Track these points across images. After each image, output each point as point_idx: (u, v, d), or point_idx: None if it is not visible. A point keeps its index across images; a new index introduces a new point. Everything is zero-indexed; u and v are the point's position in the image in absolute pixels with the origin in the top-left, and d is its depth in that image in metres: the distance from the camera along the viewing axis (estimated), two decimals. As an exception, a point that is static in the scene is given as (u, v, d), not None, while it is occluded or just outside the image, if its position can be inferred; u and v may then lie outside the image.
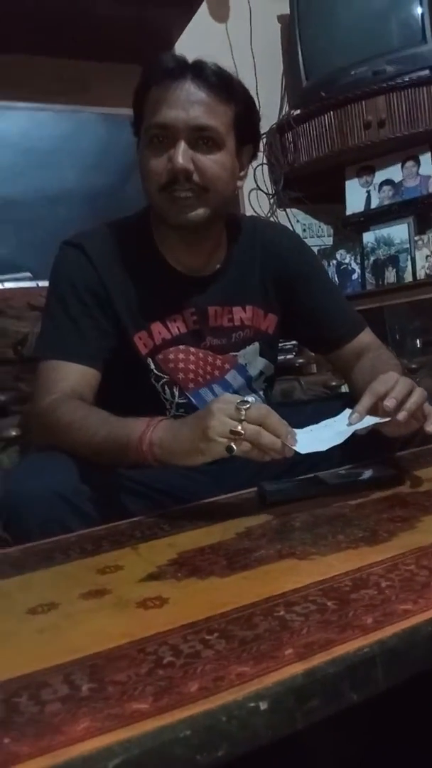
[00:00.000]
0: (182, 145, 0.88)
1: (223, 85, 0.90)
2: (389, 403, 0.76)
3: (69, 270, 0.96)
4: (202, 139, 0.89)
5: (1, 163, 1.86)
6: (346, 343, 1.05)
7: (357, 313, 1.11)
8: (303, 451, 0.73)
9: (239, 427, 0.69)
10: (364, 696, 0.40)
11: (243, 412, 0.70)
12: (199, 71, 0.89)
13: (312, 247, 1.21)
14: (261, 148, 2.30)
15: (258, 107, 0.98)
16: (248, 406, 0.71)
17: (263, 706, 0.36)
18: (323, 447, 0.75)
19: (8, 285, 1.66)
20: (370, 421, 0.78)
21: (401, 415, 0.76)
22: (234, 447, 0.70)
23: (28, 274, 1.71)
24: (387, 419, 0.77)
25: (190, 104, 0.88)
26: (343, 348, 1.06)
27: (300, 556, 0.59)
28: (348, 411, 0.80)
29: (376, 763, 0.73)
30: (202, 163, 0.89)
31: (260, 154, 2.30)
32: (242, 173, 0.99)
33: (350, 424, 0.78)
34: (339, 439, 0.76)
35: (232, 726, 0.35)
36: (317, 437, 0.77)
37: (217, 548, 0.63)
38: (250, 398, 0.75)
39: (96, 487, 0.81)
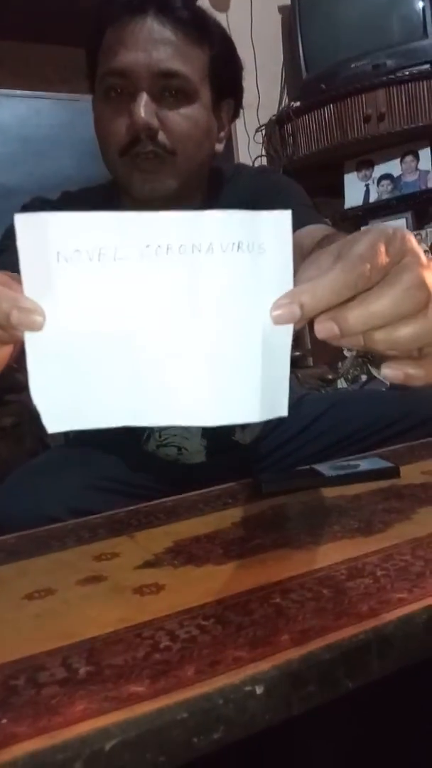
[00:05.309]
0: (144, 97, 0.71)
1: (196, 23, 0.74)
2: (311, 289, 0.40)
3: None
4: (168, 88, 0.73)
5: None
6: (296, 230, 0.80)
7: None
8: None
9: None
10: (359, 683, 0.40)
11: None
12: (164, 4, 0.72)
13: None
14: (260, 139, 2.31)
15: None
16: None
17: (259, 689, 0.36)
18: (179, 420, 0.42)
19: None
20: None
21: (321, 328, 0.39)
22: None
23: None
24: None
25: (153, 45, 0.71)
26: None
27: (295, 545, 0.59)
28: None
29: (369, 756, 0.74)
30: (170, 118, 0.73)
31: (259, 146, 2.30)
32: (222, 134, 0.83)
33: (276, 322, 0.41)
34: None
35: (229, 709, 0.35)
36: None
37: (213, 537, 0.63)
38: None
39: (93, 500, 0.75)
